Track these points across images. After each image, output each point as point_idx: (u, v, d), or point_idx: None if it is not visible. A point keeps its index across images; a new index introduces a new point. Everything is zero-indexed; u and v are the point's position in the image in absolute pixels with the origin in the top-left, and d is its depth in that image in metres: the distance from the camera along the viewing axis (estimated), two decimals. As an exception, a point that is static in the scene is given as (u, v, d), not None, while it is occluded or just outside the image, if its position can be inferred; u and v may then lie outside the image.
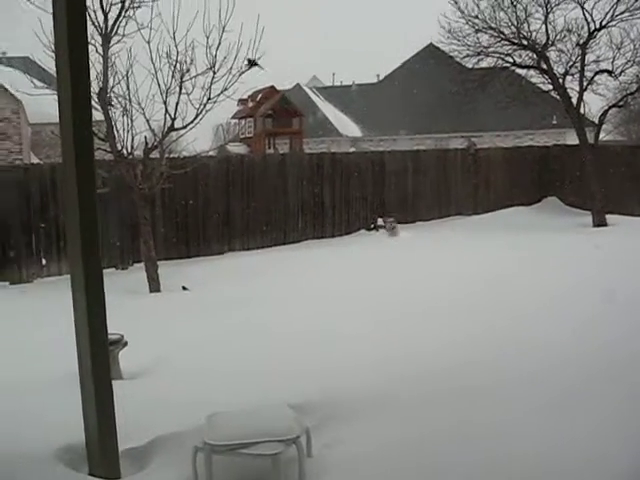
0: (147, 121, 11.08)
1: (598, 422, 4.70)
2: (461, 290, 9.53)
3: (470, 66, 19.40)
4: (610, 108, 18.98)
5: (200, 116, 11.19)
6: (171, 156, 12.91)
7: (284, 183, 16.59)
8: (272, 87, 27.40)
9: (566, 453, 4.27)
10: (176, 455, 4.39)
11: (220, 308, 9.22)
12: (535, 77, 19.43)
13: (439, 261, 12.22)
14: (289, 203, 16.68)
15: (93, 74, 10.50)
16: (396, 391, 5.54)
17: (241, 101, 26.34)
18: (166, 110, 11.10)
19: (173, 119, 11.16)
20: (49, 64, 9.06)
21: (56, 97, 4.10)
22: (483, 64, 19.15)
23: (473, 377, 5.76)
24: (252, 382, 5.76)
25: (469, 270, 11.06)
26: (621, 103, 19.19)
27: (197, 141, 13.54)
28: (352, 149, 28.63)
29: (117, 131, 11.05)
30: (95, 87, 10.60)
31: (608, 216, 17.13)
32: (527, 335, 7.09)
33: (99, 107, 10.75)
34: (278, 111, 26.97)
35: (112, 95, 10.94)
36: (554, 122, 30.66)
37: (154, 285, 11.30)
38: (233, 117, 30.70)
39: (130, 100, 10.89)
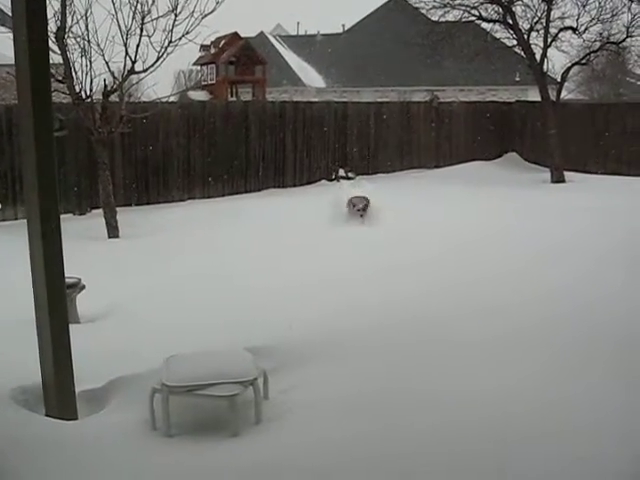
0: (106, 63, 10.82)
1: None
2: (425, 246, 9.58)
3: (436, 18, 19.27)
4: (573, 65, 19.08)
5: (161, 59, 10.98)
6: (131, 100, 12.67)
7: (246, 131, 16.44)
8: (235, 34, 26.91)
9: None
10: (133, 397, 4.45)
11: (178, 255, 9.23)
12: (500, 32, 19.41)
13: (402, 214, 12.20)
14: (250, 152, 16.55)
15: (50, 12, 10.19)
16: (353, 341, 5.63)
17: (203, 47, 25.87)
18: (126, 52, 10.86)
19: (133, 62, 10.92)
20: (4, 1, 8.77)
21: (11, 36, 4.00)
22: (449, 17, 19.06)
23: (435, 333, 5.83)
24: (209, 328, 5.82)
25: (436, 222, 11.15)
26: (584, 61, 19.31)
27: (158, 86, 13.27)
28: (314, 99, 28.40)
29: (75, 73, 10.79)
30: (52, 26, 10.31)
31: (566, 173, 17.38)
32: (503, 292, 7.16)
33: (56, 48, 10.46)
34: (241, 58, 26.54)
35: (70, 35, 10.65)
36: (517, 79, 30.76)
37: (112, 231, 11.21)
38: (195, 63, 30.18)
39: (89, 41, 10.62)
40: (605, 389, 4.54)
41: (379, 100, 23.45)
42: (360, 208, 11.80)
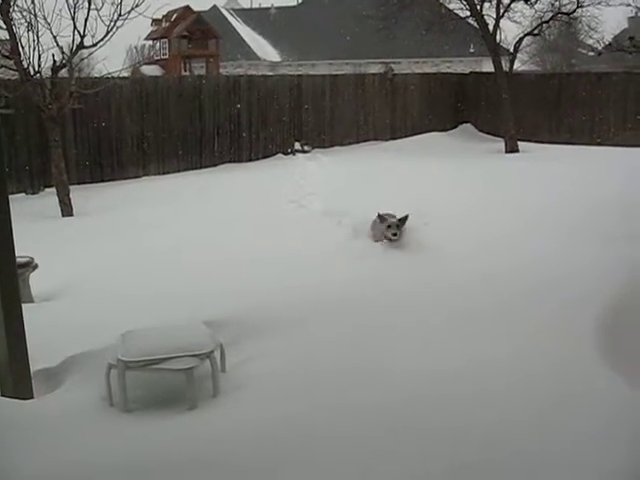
0: (54, 38, 10.58)
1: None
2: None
3: (389, -10, 19.23)
4: (525, 36, 19.26)
5: (111, 33, 10.80)
6: (81, 76, 12.43)
7: (200, 106, 16.28)
8: (187, 7, 26.61)
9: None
10: (89, 373, 4.43)
11: (133, 232, 9.12)
12: (453, 3, 19.50)
13: (362, 187, 12.09)
14: (205, 127, 16.41)
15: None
16: (310, 314, 5.61)
17: (155, 21, 25.49)
18: (75, 26, 10.64)
19: (82, 36, 10.70)
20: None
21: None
22: (403, -12, 19.00)
23: (403, 306, 5.81)
24: (164, 303, 5.78)
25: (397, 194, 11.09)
26: (536, 31, 19.52)
27: (109, 61, 13.04)
28: (269, 73, 28.23)
29: (22, 48, 10.52)
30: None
31: (520, 143, 17.59)
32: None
33: (1, 22, 10.19)
34: (194, 32, 26.26)
35: (16, 9, 10.38)
36: (471, 50, 30.98)
37: (66, 209, 11.05)
38: (147, 38, 29.70)
39: (35, 15, 10.36)
40: (576, 362, 4.60)
41: (334, 73, 23.37)
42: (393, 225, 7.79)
